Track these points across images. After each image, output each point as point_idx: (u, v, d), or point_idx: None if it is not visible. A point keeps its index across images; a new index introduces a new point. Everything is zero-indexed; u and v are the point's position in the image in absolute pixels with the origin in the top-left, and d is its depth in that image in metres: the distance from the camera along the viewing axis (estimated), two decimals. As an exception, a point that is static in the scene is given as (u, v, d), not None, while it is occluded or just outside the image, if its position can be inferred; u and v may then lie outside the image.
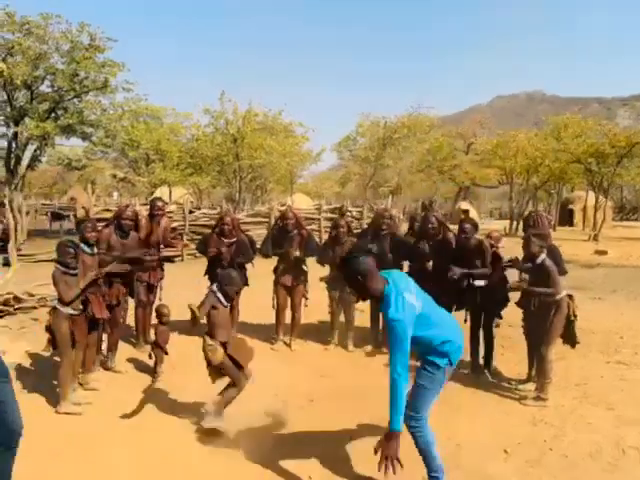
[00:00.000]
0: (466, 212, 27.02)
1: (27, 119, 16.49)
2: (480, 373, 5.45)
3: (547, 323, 4.70)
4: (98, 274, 4.50)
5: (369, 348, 6.29)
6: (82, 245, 4.71)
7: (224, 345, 4.09)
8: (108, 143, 20.67)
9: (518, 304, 5.27)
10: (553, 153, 25.03)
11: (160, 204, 6.15)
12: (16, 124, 16.70)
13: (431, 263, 6.07)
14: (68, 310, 4.38)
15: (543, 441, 4.07)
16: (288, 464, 3.66)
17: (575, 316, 4.85)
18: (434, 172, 37.51)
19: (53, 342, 4.49)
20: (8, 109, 17.12)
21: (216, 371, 4.12)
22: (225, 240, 6.18)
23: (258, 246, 6.61)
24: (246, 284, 6.31)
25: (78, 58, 16.53)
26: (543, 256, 4.70)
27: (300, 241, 6.21)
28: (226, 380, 4.20)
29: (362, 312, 6.81)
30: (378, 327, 6.45)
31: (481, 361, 5.59)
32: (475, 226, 5.52)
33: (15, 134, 16.84)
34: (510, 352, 6.25)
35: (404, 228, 6.81)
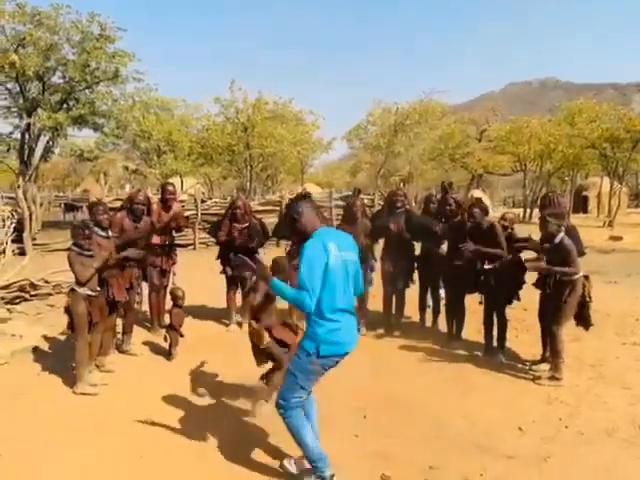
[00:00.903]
0: (479, 200, 26.51)
1: (39, 110, 16.58)
2: (493, 355, 5.42)
3: (560, 302, 4.66)
4: (110, 255, 4.52)
5: (381, 331, 6.28)
6: (96, 228, 4.75)
7: (268, 329, 4.10)
8: (119, 134, 20.71)
9: (535, 284, 5.23)
10: (567, 138, 24.63)
11: (171, 188, 6.16)
12: (29, 115, 16.82)
13: (445, 245, 6.05)
14: (85, 291, 4.43)
15: (558, 419, 4.06)
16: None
17: (590, 298, 4.80)
18: (446, 160, 37.05)
19: (71, 324, 4.54)
20: (21, 100, 17.24)
21: (261, 355, 4.13)
22: (237, 225, 6.19)
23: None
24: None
25: (89, 48, 16.58)
26: (561, 235, 4.64)
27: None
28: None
29: (374, 297, 6.80)
30: (391, 311, 6.45)
31: (494, 343, 5.56)
32: (484, 210, 5.47)
33: (28, 125, 16.96)
34: (525, 334, 6.23)
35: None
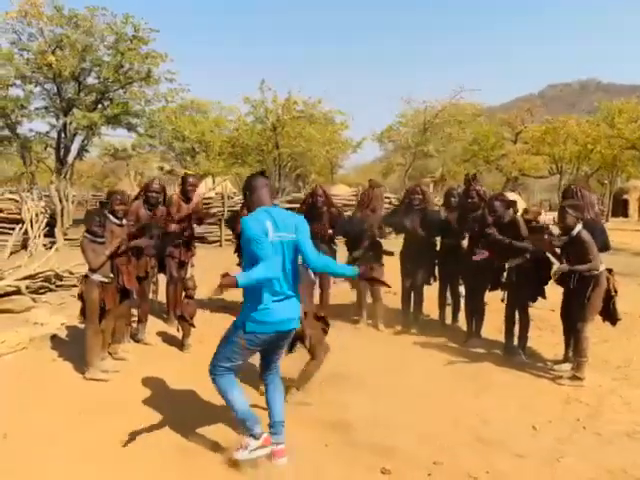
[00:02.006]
0: (514, 203, 25.95)
1: (75, 110, 16.98)
2: (514, 354, 5.22)
3: (584, 299, 4.45)
4: (122, 242, 4.55)
5: (398, 328, 6.15)
6: (110, 216, 4.79)
7: (304, 315, 4.02)
8: (153, 133, 21.06)
9: (558, 282, 5.02)
10: (605, 139, 23.93)
11: (192, 180, 6.14)
12: (65, 115, 17.25)
13: (466, 241, 5.89)
14: (98, 277, 4.47)
15: (576, 419, 3.87)
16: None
17: (616, 292, 4.57)
18: (480, 162, 36.50)
19: (84, 310, 4.59)
20: (57, 101, 17.71)
21: (294, 341, 4.09)
22: (251, 216, 6.15)
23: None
24: None
25: (122, 49, 16.91)
26: (579, 227, 4.44)
27: (330, 219, 6.12)
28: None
29: (395, 294, 6.68)
30: (409, 308, 6.31)
31: (515, 342, 5.36)
32: (507, 203, 5.27)
33: (64, 125, 17.40)
34: (548, 334, 6.00)
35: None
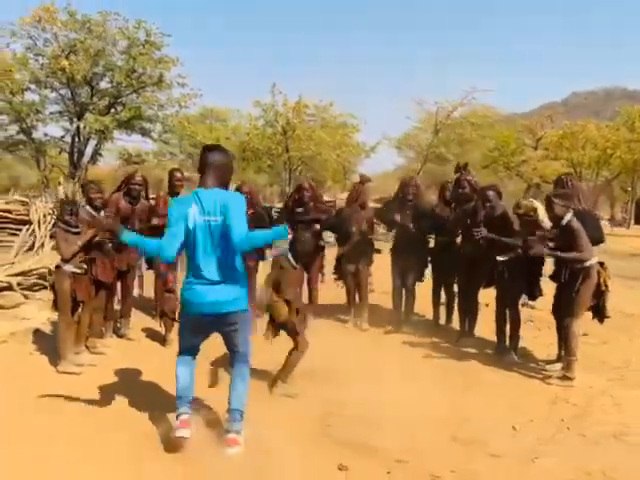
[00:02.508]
0: (534, 211, 25.39)
1: (87, 114, 17.22)
2: (505, 353, 4.98)
3: (573, 292, 4.21)
4: (96, 232, 4.46)
5: (389, 328, 5.93)
6: (87, 207, 4.71)
7: (289, 303, 4.00)
8: (167, 139, 21.23)
9: (551, 277, 4.78)
10: (626, 144, 23.38)
11: (179, 175, 6.06)
12: (78, 119, 17.50)
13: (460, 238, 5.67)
14: (70, 268, 4.38)
15: (560, 420, 3.64)
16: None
17: (607, 287, 4.32)
18: (500, 168, 35.94)
19: (56, 302, 4.50)
20: (71, 105, 17.97)
21: (274, 329, 4.07)
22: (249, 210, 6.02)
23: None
24: (262, 258, 6.15)
25: (134, 54, 17.10)
26: (568, 217, 4.21)
27: (316, 214, 5.96)
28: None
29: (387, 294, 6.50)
30: (400, 307, 6.11)
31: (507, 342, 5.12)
32: (499, 194, 5.07)
33: (77, 129, 17.64)
34: (545, 335, 5.73)
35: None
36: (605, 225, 32.32)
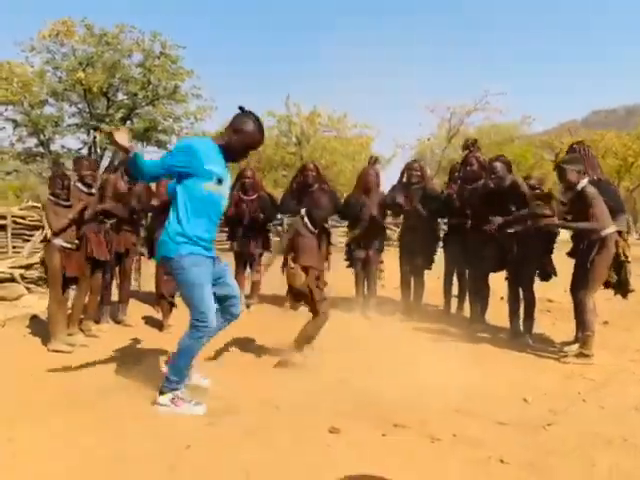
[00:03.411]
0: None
1: (103, 125, 17.38)
2: (519, 336, 4.69)
3: (587, 263, 3.92)
4: (86, 204, 4.33)
5: (399, 316, 5.66)
6: (78, 184, 4.60)
7: (306, 270, 3.89)
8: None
9: (569, 253, 4.50)
10: (647, 152, 22.91)
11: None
12: (95, 130, 17.69)
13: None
14: (60, 242, 4.25)
15: (576, 393, 3.35)
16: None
17: (626, 257, 4.01)
18: (519, 183, 35.44)
19: (47, 278, 4.38)
20: (88, 117, 18.20)
21: (296, 298, 4.01)
22: (245, 197, 5.88)
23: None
24: (268, 249, 5.97)
25: (150, 66, 17.30)
26: (584, 182, 3.94)
27: (322, 197, 5.74)
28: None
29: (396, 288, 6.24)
30: (409, 294, 5.84)
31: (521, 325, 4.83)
32: (508, 164, 4.83)
33: (93, 140, 17.83)
34: (562, 322, 5.41)
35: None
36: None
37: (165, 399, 2.99)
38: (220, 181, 2.99)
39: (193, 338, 2.97)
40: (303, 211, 4.13)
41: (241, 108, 3.08)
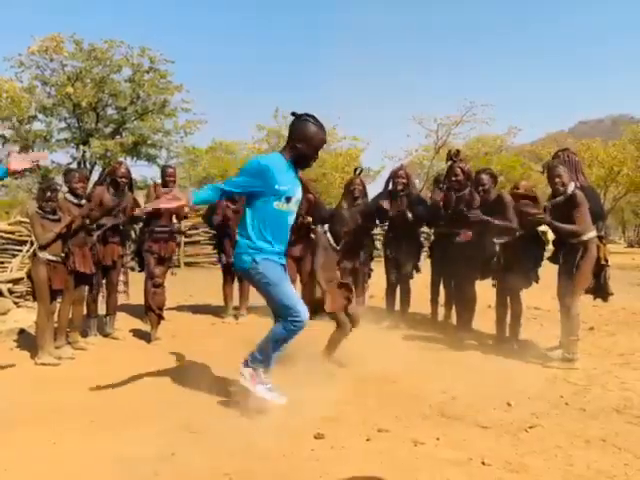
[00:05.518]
0: (544, 233, 25.03)
1: (91, 139, 17.37)
2: (505, 342, 4.73)
3: (573, 267, 3.98)
4: (74, 219, 4.34)
5: (385, 324, 5.69)
6: (68, 195, 4.62)
7: (319, 284, 4.02)
8: (173, 165, 21.35)
9: (550, 259, 4.56)
10: (633, 161, 23.15)
11: (171, 170, 5.91)
12: (84, 145, 17.68)
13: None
14: (46, 255, 4.25)
15: (559, 396, 3.40)
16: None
17: (607, 261, 4.10)
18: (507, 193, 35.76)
19: (34, 292, 4.37)
20: (77, 132, 18.20)
21: (315, 308, 3.97)
22: (232, 205, 5.90)
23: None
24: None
25: (139, 81, 17.37)
26: (573, 186, 4.03)
27: (308, 207, 5.77)
28: None
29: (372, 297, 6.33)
30: (394, 302, 5.87)
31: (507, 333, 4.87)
32: (494, 177, 4.91)
33: (83, 155, 17.81)
34: (548, 329, 5.45)
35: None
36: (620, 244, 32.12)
37: (247, 371, 3.06)
38: (289, 199, 3.04)
39: (287, 330, 3.01)
40: (325, 227, 4.21)
41: (294, 114, 3.10)
